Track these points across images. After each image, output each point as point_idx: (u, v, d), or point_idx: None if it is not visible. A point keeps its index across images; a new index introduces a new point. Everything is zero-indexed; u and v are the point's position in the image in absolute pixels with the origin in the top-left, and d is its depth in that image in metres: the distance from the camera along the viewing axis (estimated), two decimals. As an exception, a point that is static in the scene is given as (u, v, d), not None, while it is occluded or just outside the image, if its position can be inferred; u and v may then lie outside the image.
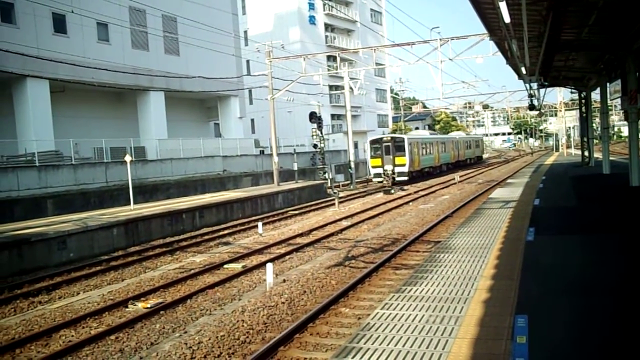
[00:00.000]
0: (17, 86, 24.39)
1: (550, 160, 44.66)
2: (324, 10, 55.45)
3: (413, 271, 8.42)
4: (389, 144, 34.85)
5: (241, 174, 32.34)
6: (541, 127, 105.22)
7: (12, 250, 13.46)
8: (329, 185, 25.92)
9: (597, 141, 32.73)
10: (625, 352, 4.78)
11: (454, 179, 34.79)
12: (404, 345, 5.22)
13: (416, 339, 5.38)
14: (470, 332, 5.42)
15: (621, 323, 5.48)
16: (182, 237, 18.16)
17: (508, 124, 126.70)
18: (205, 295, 10.42)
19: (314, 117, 26.14)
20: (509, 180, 27.07)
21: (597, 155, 30.89)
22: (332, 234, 16.68)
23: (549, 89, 36.39)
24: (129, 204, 20.09)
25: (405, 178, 34.08)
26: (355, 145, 43.17)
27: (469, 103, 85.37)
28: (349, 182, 34.85)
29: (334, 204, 24.49)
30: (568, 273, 7.51)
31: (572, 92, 52.48)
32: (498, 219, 13.02)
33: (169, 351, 7.47)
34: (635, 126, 17.61)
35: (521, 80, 24.60)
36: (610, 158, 24.91)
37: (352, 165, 34.42)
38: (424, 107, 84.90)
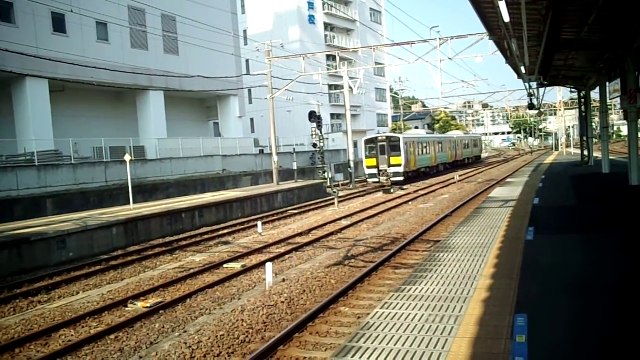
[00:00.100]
0: (17, 86, 24.37)
1: (549, 159, 44.67)
2: (324, 9, 55.45)
3: (413, 270, 8.41)
4: (384, 143, 34.14)
5: (241, 174, 32.34)
6: (541, 127, 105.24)
7: (12, 249, 13.45)
8: (329, 184, 25.92)
9: (596, 140, 32.78)
10: (625, 351, 4.78)
11: (453, 178, 34.78)
12: (403, 345, 5.22)
13: (416, 338, 5.38)
14: (470, 332, 5.42)
15: (621, 322, 5.48)
16: (181, 236, 18.16)
17: (508, 123, 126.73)
18: (205, 295, 10.42)
19: (313, 117, 26.17)
20: (508, 180, 27.07)
21: (597, 154, 30.85)
22: (331, 234, 16.67)
23: (548, 88, 36.45)
24: (129, 203, 20.08)
25: (401, 178, 33.41)
26: (355, 145, 43.04)
27: (469, 102, 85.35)
28: (348, 181, 34.87)
29: (333, 204, 24.50)
30: (568, 272, 7.51)
31: (571, 92, 52.55)
32: (498, 218, 13.02)
33: (169, 351, 7.46)
34: (634, 125, 17.61)
35: (521, 80, 24.62)
36: (610, 157, 24.92)
37: (352, 164, 34.42)
38: (424, 106, 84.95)
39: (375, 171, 34.14)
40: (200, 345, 7.55)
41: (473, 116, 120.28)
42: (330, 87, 48.54)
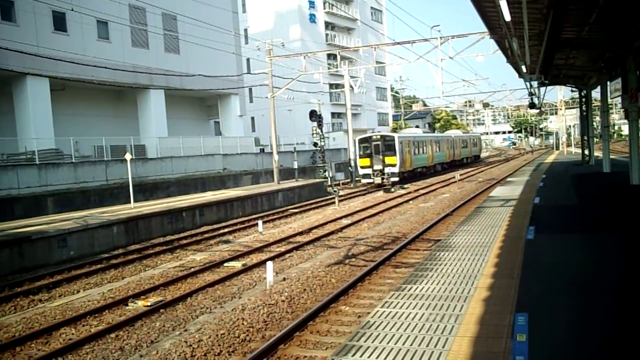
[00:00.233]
0: (17, 84, 24.39)
1: (550, 158, 44.64)
2: (324, 8, 55.41)
3: (413, 269, 8.41)
4: (379, 142, 33.05)
5: (241, 172, 32.35)
6: (541, 126, 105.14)
7: (13, 248, 13.47)
8: (329, 183, 25.90)
9: (597, 140, 32.73)
10: (626, 351, 4.78)
11: (454, 177, 34.75)
12: (404, 344, 5.22)
13: (416, 337, 5.38)
14: (471, 331, 5.42)
15: (622, 322, 5.47)
16: (182, 235, 18.17)
17: (508, 122, 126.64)
18: (205, 294, 10.42)
19: (314, 116, 26.12)
20: (509, 179, 27.06)
21: (598, 153, 30.86)
22: (332, 232, 16.67)
23: (549, 88, 36.43)
24: (129, 202, 20.09)
25: (396, 179, 32.41)
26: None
27: (470, 101, 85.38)
28: (349, 180, 34.84)
29: (334, 202, 24.49)
30: (568, 271, 7.50)
31: (572, 91, 52.39)
32: (498, 217, 13.01)
33: (169, 349, 7.47)
34: (635, 125, 17.59)
35: (521, 79, 24.56)
36: (611, 156, 24.90)
37: (352, 163, 34.38)
38: (424, 105, 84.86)
39: (369, 171, 33.02)
40: (200, 343, 7.56)
41: (474, 115, 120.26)
42: (331, 86, 48.60)
